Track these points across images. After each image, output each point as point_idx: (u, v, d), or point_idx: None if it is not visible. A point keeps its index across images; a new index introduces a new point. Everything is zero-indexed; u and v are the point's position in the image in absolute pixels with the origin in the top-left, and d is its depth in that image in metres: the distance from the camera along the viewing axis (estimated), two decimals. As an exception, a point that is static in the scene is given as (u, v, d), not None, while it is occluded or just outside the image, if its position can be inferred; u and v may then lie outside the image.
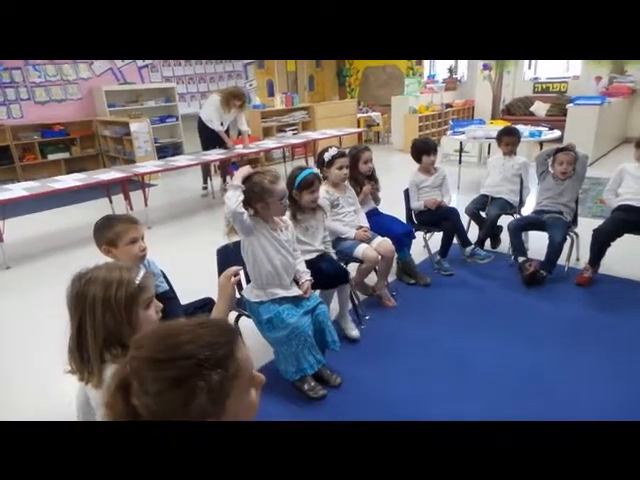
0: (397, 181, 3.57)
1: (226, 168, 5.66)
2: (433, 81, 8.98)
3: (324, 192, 2.72)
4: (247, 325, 2.20)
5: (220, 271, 2.36)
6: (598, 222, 3.05)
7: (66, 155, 6.87)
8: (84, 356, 1.17)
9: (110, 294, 1.15)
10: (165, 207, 5.42)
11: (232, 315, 2.33)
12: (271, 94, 9.10)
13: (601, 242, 2.93)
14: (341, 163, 2.71)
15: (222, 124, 5.40)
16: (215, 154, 5.31)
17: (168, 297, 1.95)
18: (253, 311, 2.14)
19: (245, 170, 1.98)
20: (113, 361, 1.13)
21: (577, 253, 3.28)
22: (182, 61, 8.01)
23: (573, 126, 6.34)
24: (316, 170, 2.45)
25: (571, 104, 6.68)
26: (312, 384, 2.15)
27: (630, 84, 7.45)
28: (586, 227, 3.15)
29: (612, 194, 3.10)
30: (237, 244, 2.14)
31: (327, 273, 2.44)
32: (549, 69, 8.63)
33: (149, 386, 0.66)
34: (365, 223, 2.88)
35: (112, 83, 7.23)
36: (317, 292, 2.44)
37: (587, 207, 4.47)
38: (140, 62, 7.52)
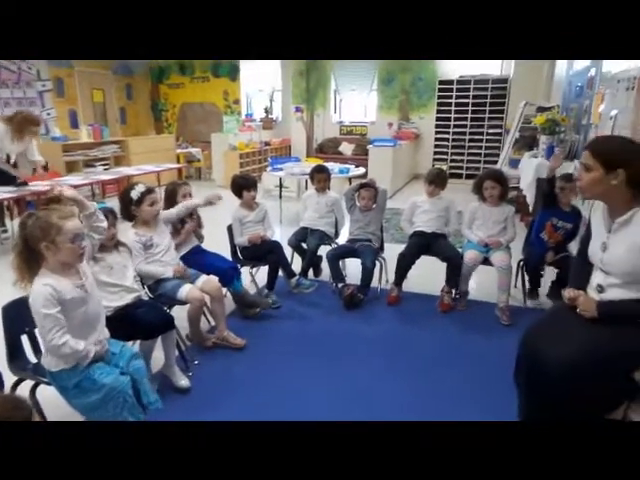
0: (221, 217, 3.53)
1: (21, 208, 4.83)
2: (251, 120, 9.31)
3: (133, 234, 2.51)
4: (47, 394, 1.85)
5: (7, 334, 1.95)
6: (401, 246, 3.48)
7: None
8: None
9: None
10: None
11: (27, 384, 1.93)
12: (75, 125, 8.23)
13: (404, 265, 3.35)
14: (152, 199, 2.55)
15: (8, 157, 4.61)
16: (2, 192, 4.48)
17: None
18: (55, 378, 1.79)
19: None
20: None
21: (386, 275, 3.68)
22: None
23: (374, 164, 7.27)
24: (109, 205, 2.28)
25: (371, 145, 7.67)
26: (135, 449, 1.89)
27: (414, 130, 8.92)
28: (392, 251, 3.56)
29: (407, 223, 3.58)
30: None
31: (149, 321, 2.22)
32: (351, 114, 9.77)
33: None
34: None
35: None
36: (134, 344, 2.21)
37: (390, 234, 5.10)
38: None
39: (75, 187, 5.75)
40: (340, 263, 3.52)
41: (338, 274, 3.42)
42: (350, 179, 5.78)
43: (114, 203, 2.57)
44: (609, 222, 1.74)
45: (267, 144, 9.09)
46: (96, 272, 2.11)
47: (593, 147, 1.70)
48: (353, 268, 3.67)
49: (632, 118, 3.06)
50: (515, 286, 3.38)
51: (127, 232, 2.52)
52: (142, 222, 2.58)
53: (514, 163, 5.93)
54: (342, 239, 3.83)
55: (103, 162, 7.36)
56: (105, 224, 2.03)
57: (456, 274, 3.24)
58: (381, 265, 3.58)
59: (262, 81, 9.70)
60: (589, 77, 4.39)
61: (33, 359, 2.03)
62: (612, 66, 3.69)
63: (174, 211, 2.78)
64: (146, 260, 2.53)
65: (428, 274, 3.58)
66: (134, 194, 2.50)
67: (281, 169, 5.98)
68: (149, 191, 2.55)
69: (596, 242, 1.80)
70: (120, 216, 2.47)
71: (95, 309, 1.86)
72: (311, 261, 3.65)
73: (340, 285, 3.37)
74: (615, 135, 3.24)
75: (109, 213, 2.21)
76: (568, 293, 1.83)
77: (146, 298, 2.40)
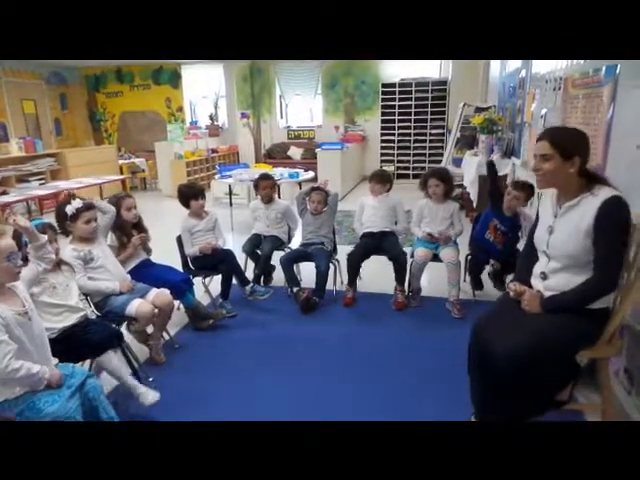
0: (170, 227, 3.43)
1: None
2: (196, 127, 9.12)
3: (70, 250, 2.40)
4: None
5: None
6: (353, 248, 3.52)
7: None
8: None
9: None
10: None
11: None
12: (5, 139, 7.74)
13: (354, 264, 3.39)
14: (88, 217, 2.41)
15: None
16: None
17: None
18: (-7, 408, 1.67)
19: None
20: None
21: (341, 277, 3.70)
22: None
23: (323, 167, 7.32)
24: (47, 220, 2.22)
25: (319, 149, 7.72)
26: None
27: (360, 132, 9.08)
28: (345, 253, 3.59)
29: (358, 224, 3.63)
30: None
31: (97, 341, 2.12)
32: (298, 118, 9.81)
33: None
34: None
35: None
36: (83, 364, 2.10)
37: (343, 236, 5.15)
38: None
39: (8, 204, 5.45)
40: (294, 267, 3.51)
41: (293, 278, 3.41)
42: (300, 183, 5.80)
43: (53, 219, 2.44)
44: (556, 207, 1.84)
45: (214, 151, 8.94)
46: (37, 293, 2.01)
47: (551, 137, 1.74)
48: (307, 272, 3.67)
49: (560, 116, 3.25)
50: (465, 280, 3.50)
51: (64, 248, 2.40)
52: (79, 238, 2.46)
53: (457, 162, 6.15)
54: (295, 244, 3.82)
55: (38, 177, 6.97)
56: (53, 256, 2.01)
57: (402, 272, 3.31)
58: (335, 267, 3.60)
59: (205, 87, 9.54)
60: (520, 78, 4.64)
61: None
62: (540, 67, 3.92)
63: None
64: (88, 275, 2.43)
65: (382, 274, 3.64)
66: (69, 209, 2.37)
67: (230, 176, 5.90)
68: (86, 208, 2.41)
69: (543, 226, 1.89)
70: (59, 231, 2.36)
71: (40, 335, 1.79)
72: (265, 266, 3.62)
73: (295, 289, 3.36)
74: (566, 126, 3.41)
75: (48, 228, 2.14)
76: (514, 287, 1.91)
77: (93, 316, 2.29)
